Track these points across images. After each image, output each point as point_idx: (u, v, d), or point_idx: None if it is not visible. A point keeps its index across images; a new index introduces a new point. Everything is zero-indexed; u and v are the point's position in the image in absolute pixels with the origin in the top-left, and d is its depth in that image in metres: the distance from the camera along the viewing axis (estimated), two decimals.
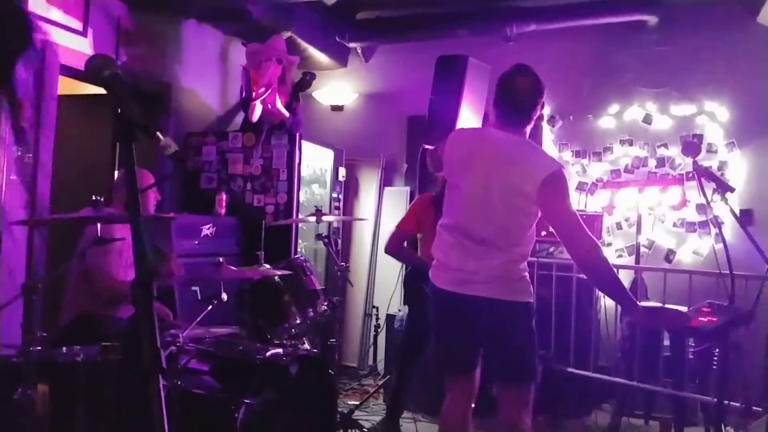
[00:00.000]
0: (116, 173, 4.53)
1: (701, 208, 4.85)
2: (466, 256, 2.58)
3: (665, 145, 5.09)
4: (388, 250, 3.94)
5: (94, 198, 2.62)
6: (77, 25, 4.07)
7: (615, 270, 2.63)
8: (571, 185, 5.05)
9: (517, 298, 2.56)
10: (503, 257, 2.54)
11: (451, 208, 2.69)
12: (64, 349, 2.38)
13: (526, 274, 2.62)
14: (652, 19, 4.86)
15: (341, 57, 5.94)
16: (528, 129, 2.65)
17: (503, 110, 2.62)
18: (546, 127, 5.44)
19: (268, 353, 2.90)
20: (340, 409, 3.60)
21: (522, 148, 2.59)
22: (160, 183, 4.09)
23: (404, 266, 4.38)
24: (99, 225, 2.63)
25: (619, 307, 4.26)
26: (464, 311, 2.59)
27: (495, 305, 2.53)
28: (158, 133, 1.22)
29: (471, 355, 2.70)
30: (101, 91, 1.32)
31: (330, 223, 5.22)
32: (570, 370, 4.26)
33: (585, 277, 2.80)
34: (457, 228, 2.62)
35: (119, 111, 1.21)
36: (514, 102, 2.59)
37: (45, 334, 2.30)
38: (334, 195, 5.51)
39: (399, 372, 4.03)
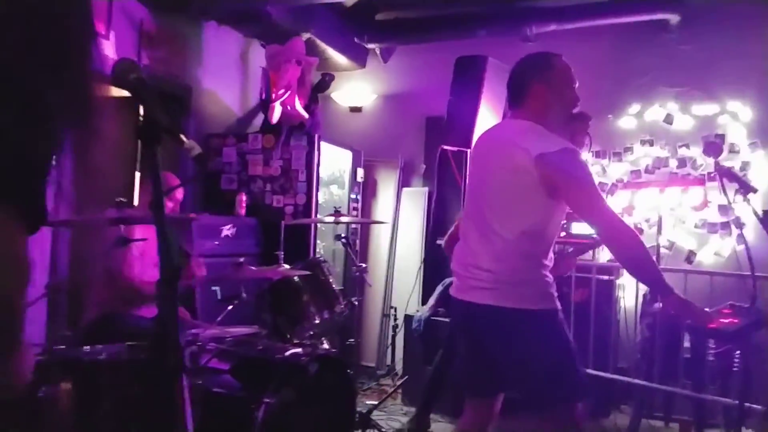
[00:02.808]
0: (137, 174, 4.57)
1: (723, 209, 4.79)
2: (468, 252, 2.37)
3: (687, 146, 5.03)
4: (444, 246, 3.88)
5: (117, 199, 2.66)
6: (100, 28, 4.10)
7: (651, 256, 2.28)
8: None
9: (521, 305, 2.21)
10: (507, 249, 2.23)
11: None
12: (87, 347, 2.42)
13: (540, 276, 2.26)
14: (674, 18, 4.81)
15: (360, 58, 5.95)
16: (532, 112, 2.35)
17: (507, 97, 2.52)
18: None
19: (288, 353, 2.92)
20: (358, 409, 3.61)
21: (520, 128, 2.34)
22: (184, 185, 4.14)
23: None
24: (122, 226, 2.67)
25: (638, 308, 4.24)
26: (465, 321, 2.42)
27: (496, 313, 2.23)
28: (181, 136, 1.24)
29: (484, 377, 2.41)
30: (123, 93, 1.33)
31: (348, 224, 5.24)
32: (589, 371, 4.23)
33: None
34: (464, 220, 2.49)
35: (144, 114, 1.23)
36: (509, 86, 2.47)
37: (69, 333, 2.33)
38: (353, 196, 5.53)
39: (442, 354, 3.89)
